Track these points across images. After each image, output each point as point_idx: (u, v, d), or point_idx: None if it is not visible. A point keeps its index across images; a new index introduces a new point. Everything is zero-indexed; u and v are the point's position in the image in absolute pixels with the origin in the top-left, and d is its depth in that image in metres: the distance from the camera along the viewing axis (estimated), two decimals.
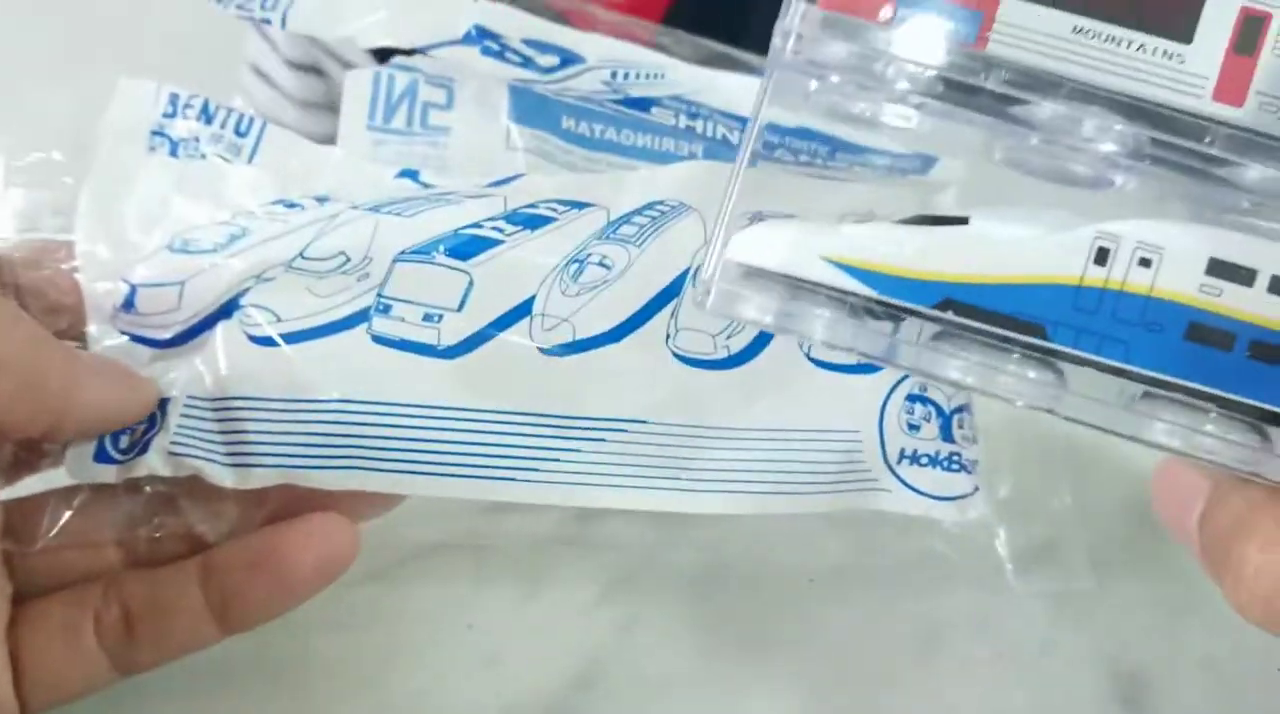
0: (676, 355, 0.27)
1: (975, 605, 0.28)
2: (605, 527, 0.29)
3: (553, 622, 0.27)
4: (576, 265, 0.27)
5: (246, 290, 0.25)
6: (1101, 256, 0.20)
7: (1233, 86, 0.20)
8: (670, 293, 0.27)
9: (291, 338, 0.25)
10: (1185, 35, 0.20)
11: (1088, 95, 0.20)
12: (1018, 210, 0.21)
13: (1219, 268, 0.20)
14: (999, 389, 0.21)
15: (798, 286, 0.21)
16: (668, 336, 0.27)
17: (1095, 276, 0.20)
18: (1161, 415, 0.20)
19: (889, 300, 0.21)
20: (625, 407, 0.26)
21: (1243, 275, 0.20)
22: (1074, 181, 0.21)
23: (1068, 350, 0.21)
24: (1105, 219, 0.21)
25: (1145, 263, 0.20)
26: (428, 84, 0.33)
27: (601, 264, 0.27)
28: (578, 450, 0.26)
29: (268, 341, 0.25)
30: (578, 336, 0.26)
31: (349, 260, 0.26)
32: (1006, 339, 0.21)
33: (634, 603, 0.27)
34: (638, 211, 0.29)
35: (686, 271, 0.28)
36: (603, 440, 0.26)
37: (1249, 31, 0.20)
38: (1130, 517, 0.30)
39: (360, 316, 0.25)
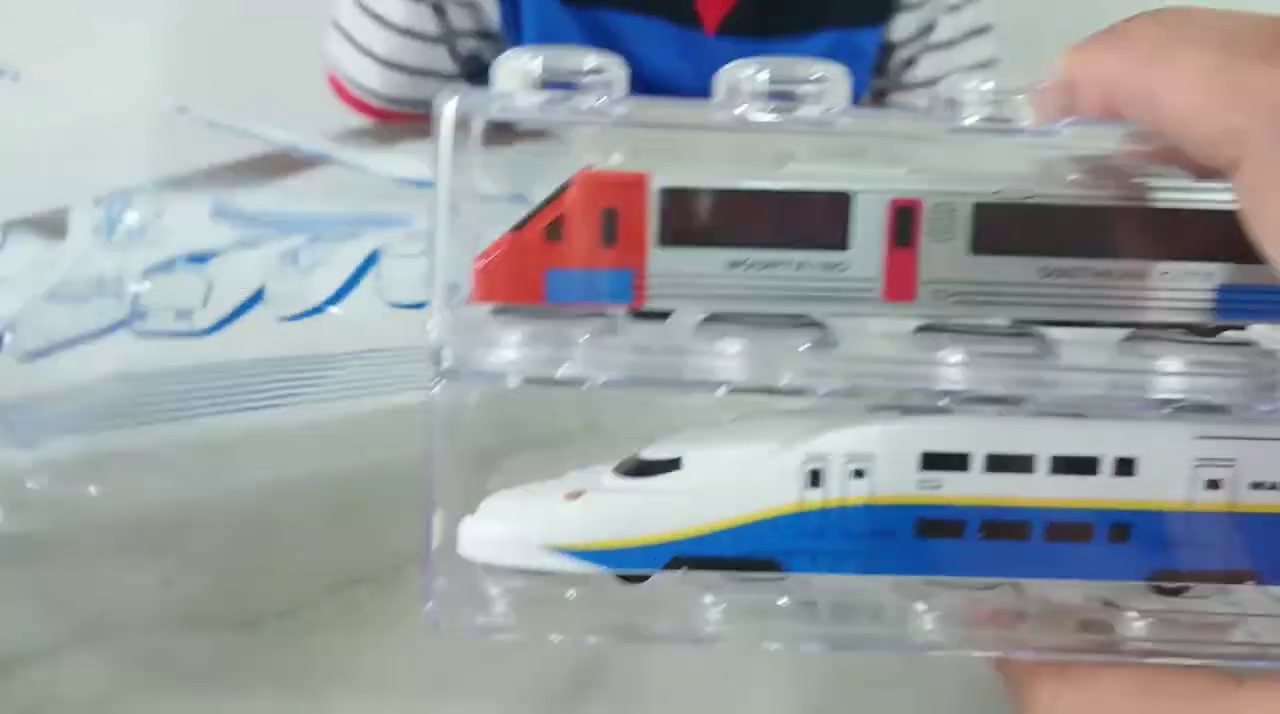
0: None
1: None
2: None
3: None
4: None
5: None
6: (815, 478, 0.20)
7: (900, 283, 0.19)
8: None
9: None
10: (840, 240, 0.19)
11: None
12: (727, 440, 0.20)
13: (932, 460, 0.20)
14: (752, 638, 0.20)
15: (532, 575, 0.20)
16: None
17: (813, 499, 0.20)
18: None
19: (621, 573, 0.20)
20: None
21: (956, 461, 0.20)
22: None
23: (804, 572, 0.20)
24: (813, 436, 0.20)
25: (859, 474, 0.20)
26: None
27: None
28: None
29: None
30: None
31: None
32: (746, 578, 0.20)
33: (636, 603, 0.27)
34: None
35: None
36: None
37: (902, 223, 0.19)
38: None
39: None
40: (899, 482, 0.20)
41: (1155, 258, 0.19)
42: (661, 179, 0.19)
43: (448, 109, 0.18)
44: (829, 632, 0.20)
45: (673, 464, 0.20)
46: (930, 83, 0.69)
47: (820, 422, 0.20)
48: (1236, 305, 0.19)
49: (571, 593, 0.20)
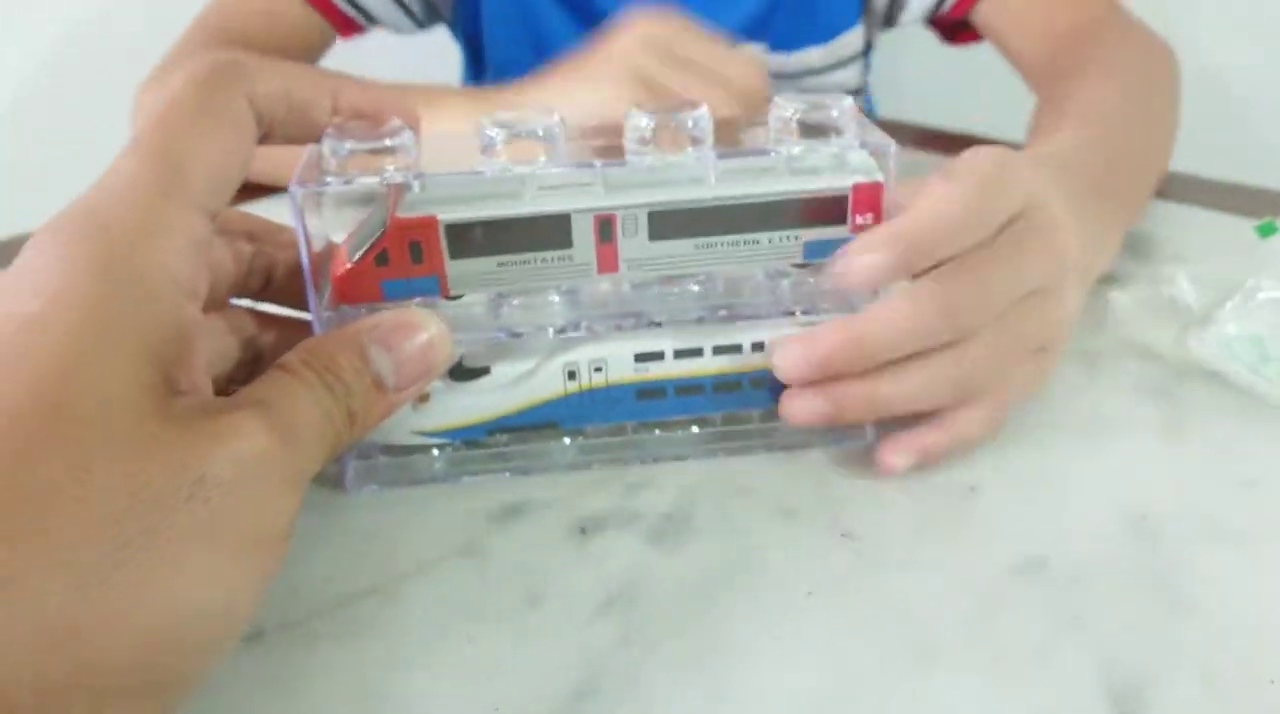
0: None
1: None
2: (605, 540, 0.30)
3: (552, 633, 0.27)
4: None
5: None
6: (571, 375, 0.32)
7: (607, 264, 0.31)
8: None
9: None
10: (567, 243, 0.30)
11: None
12: (517, 354, 0.32)
13: (642, 357, 0.32)
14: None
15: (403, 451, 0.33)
16: None
17: (572, 387, 0.32)
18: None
19: (460, 443, 0.33)
20: None
21: (655, 356, 0.32)
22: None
23: (577, 428, 0.33)
24: (568, 350, 0.32)
25: (599, 369, 0.32)
26: None
27: None
28: None
29: None
30: None
31: None
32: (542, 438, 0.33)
33: (633, 616, 0.27)
34: None
35: None
36: None
37: (604, 229, 0.30)
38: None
39: None
40: (623, 371, 0.32)
41: (767, 229, 0.31)
42: (445, 217, 0.29)
43: (298, 194, 0.28)
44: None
45: (485, 371, 0.32)
46: None
47: (572, 341, 0.32)
48: (814, 251, 0.31)
49: (435, 454, 0.33)
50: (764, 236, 0.31)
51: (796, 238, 0.31)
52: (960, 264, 0.30)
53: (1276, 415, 0.35)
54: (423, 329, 0.28)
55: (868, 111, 0.83)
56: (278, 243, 0.31)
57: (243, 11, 0.71)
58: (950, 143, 0.65)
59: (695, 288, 0.32)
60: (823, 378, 0.31)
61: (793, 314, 0.32)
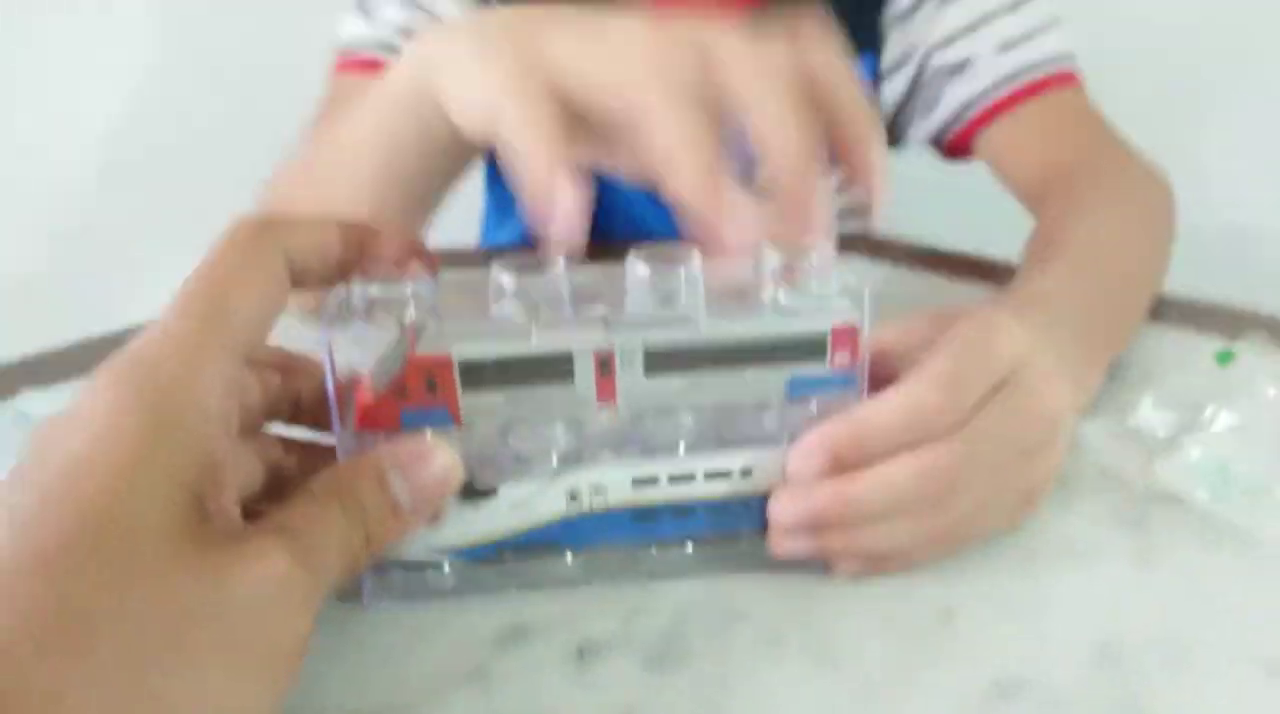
0: None
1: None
2: (603, 664, 0.32)
3: None
4: None
5: None
6: (573, 498, 0.34)
7: (606, 396, 0.33)
8: None
9: None
10: (569, 377, 0.32)
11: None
12: (523, 478, 0.34)
13: (638, 481, 0.34)
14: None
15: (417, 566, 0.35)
16: None
17: (573, 509, 0.34)
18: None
19: (469, 560, 0.35)
20: None
21: (651, 481, 0.34)
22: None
23: (578, 547, 0.35)
24: (570, 474, 0.34)
25: (598, 493, 0.34)
26: None
27: None
28: None
29: None
30: None
31: None
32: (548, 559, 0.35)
33: None
34: None
35: None
36: None
37: (604, 365, 0.32)
38: None
39: None
40: (621, 494, 0.35)
41: (753, 366, 0.33)
42: (459, 355, 0.32)
43: (327, 338, 0.30)
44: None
45: (492, 492, 0.34)
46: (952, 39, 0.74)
47: (573, 467, 0.34)
48: (797, 386, 0.34)
49: (446, 569, 0.35)
50: (750, 372, 0.33)
51: (780, 374, 0.33)
52: (955, 438, 0.33)
53: (1241, 541, 0.37)
54: (437, 456, 0.30)
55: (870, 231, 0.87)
56: (304, 373, 0.34)
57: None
58: (946, 263, 0.68)
59: (688, 419, 0.34)
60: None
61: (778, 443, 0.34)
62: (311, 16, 1.00)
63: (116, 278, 1.11)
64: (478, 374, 0.32)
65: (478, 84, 0.37)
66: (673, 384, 0.33)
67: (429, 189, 0.48)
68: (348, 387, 0.32)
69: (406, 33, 0.72)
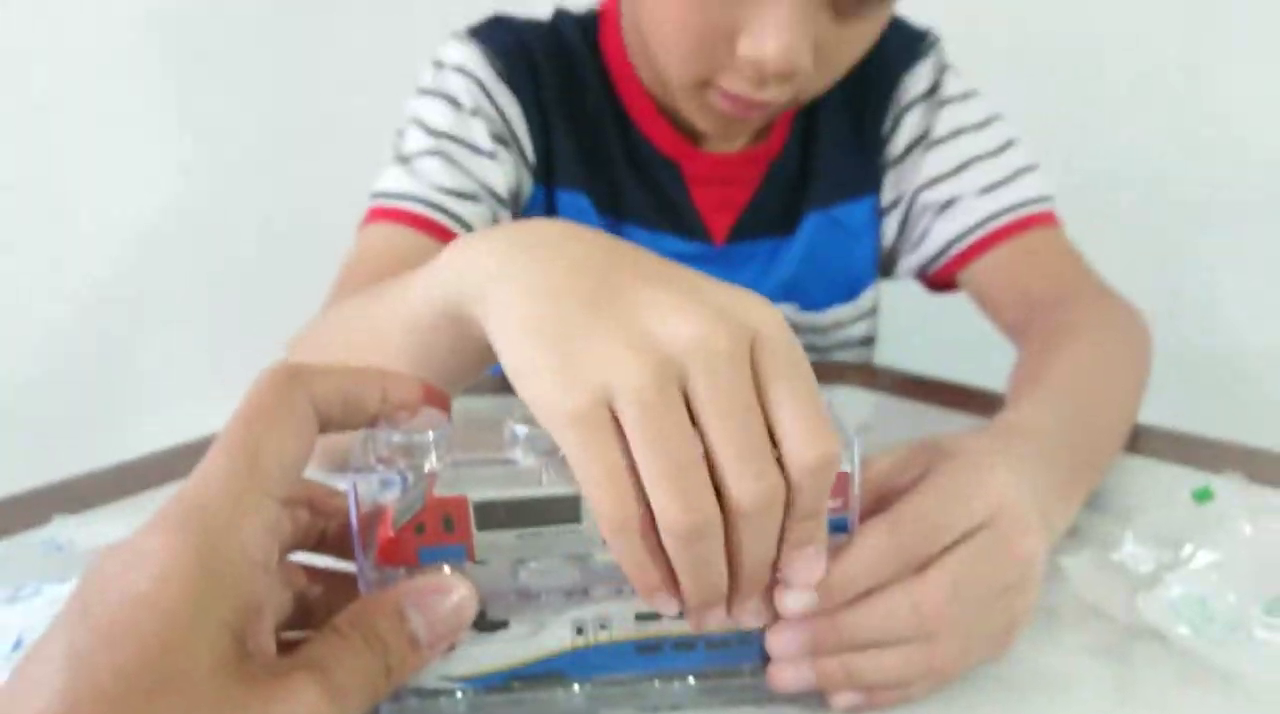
0: None
1: None
2: None
3: None
4: None
5: None
6: (579, 631, 0.36)
7: None
8: None
9: None
10: (577, 518, 0.35)
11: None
12: (532, 611, 0.37)
13: (641, 616, 0.36)
14: None
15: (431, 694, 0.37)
16: None
17: (580, 642, 0.36)
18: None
19: (481, 689, 0.37)
20: None
21: (654, 616, 0.36)
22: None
23: (584, 677, 0.37)
24: (576, 609, 0.36)
25: (603, 626, 0.36)
26: None
27: None
28: None
29: None
30: None
31: None
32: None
33: None
34: None
35: None
36: None
37: None
38: None
39: None
40: (625, 628, 0.37)
41: None
42: (474, 497, 0.34)
43: (353, 486, 0.33)
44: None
45: (504, 624, 0.36)
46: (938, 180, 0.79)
47: (580, 601, 0.36)
48: None
49: (459, 697, 0.37)
50: None
51: None
52: (940, 571, 0.35)
53: (1220, 678, 0.39)
54: (453, 591, 0.33)
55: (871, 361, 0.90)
56: (331, 509, 0.36)
57: (379, 265, 0.70)
58: (938, 392, 0.71)
59: None
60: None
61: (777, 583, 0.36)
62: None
63: (136, 398, 1.14)
64: (491, 515, 0.34)
65: (535, 375, 0.32)
66: None
67: (462, 378, 0.45)
68: (370, 521, 0.34)
69: (445, 191, 0.73)
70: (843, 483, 0.35)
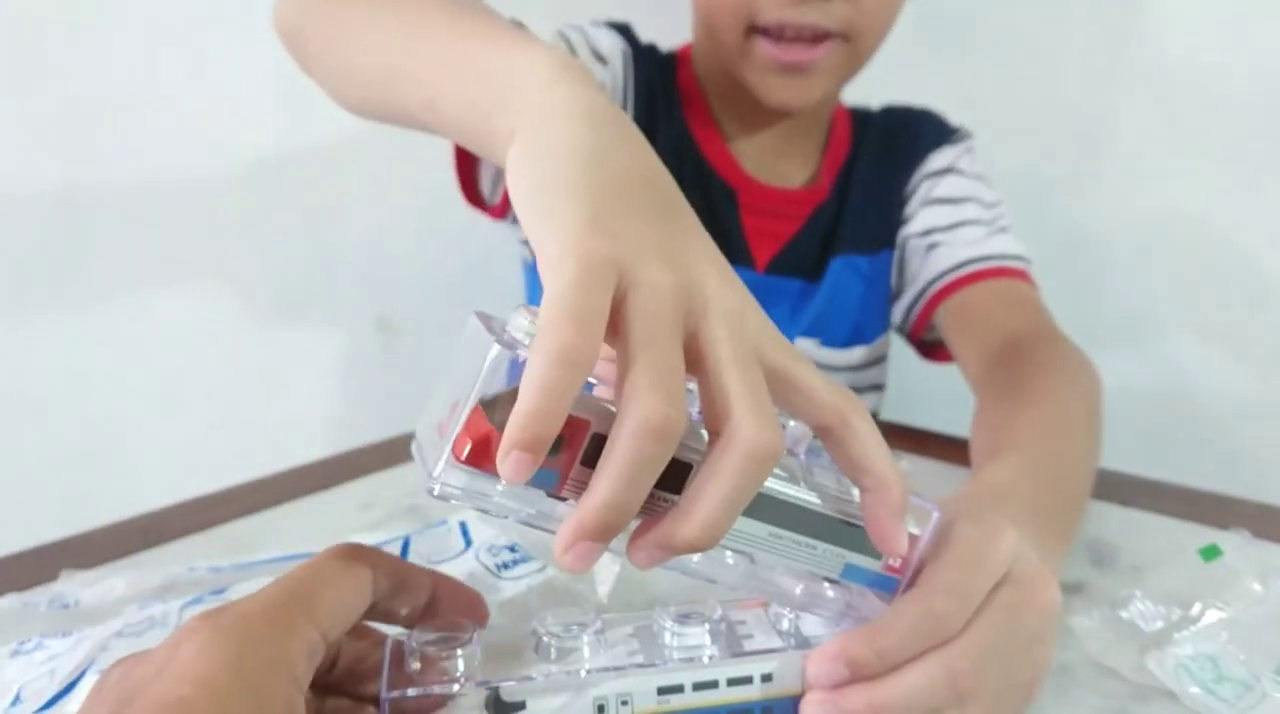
0: None
1: None
2: None
3: None
4: None
5: None
6: (600, 709, 0.36)
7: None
8: None
9: None
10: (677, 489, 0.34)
11: None
12: (551, 692, 0.37)
13: (663, 690, 0.37)
14: None
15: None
16: None
17: None
18: None
19: None
20: None
21: (676, 689, 0.37)
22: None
23: None
24: (598, 685, 0.36)
25: (625, 703, 0.37)
26: None
27: None
28: None
29: None
30: None
31: None
32: None
33: None
34: None
35: None
36: None
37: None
38: None
39: None
40: (646, 703, 0.37)
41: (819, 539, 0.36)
42: (595, 427, 0.33)
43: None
44: None
45: (521, 706, 0.36)
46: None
47: (601, 678, 0.36)
48: (850, 574, 0.37)
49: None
50: (818, 544, 0.36)
51: (840, 556, 0.37)
52: (971, 636, 0.36)
53: None
54: None
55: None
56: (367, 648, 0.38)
57: None
58: (940, 445, 0.72)
59: (729, 559, 0.37)
60: None
61: (798, 649, 0.37)
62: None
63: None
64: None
65: (568, 211, 0.32)
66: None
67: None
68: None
69: None
70: (912, 545, 0.36)
